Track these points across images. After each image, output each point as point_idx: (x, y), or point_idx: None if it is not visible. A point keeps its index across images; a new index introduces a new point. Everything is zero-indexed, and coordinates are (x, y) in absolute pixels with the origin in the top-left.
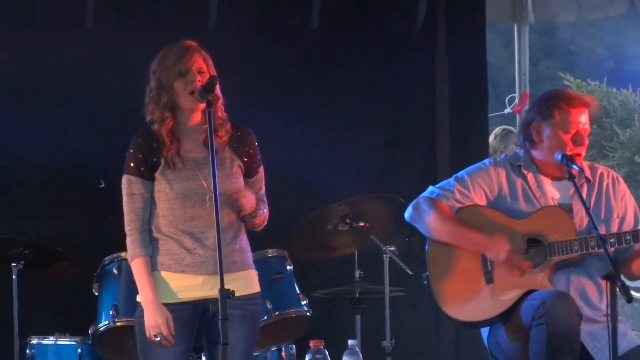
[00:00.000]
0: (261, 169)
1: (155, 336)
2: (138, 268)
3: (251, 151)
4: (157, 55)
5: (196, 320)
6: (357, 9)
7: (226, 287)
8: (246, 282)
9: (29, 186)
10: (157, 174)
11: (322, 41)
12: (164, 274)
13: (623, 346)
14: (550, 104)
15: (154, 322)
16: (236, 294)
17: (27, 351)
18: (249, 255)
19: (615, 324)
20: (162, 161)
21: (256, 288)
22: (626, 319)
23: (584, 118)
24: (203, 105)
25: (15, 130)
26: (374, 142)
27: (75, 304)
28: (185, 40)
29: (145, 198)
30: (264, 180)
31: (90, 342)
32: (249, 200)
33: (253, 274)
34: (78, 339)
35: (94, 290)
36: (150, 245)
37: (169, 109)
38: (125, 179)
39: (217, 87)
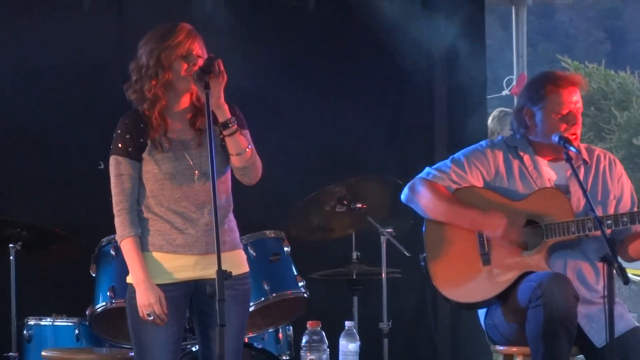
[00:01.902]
0: (245, 132)
1: (149, 315)
2: (128, 248)
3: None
4: (151, 32)
5: (187, 300)
6: None
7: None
8: (236, 262)
9: (27, 167)
10: (144, 155)
11: (319, 23)
12: (155, 254)
13: (620, 328)
14: (539, 87)
15: (147, 301)
16: None
17: (25, 332)
18: (237, 235)
19: (612, 305)
20: (149, 142)
21: (246, 268)
22: (623, 301)
23: (575, 97)
24: (195, 88)
25: (13, 110)
26: (372, 123)
27: (72, 285)
28: (183, 22)
29: (133, 178)
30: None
31: (87, 323)
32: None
33: (242, 254)
34: (75, 320)
35: (91, 272)
36: (140, 225)
37: (165, 89)
38: (113, 159)
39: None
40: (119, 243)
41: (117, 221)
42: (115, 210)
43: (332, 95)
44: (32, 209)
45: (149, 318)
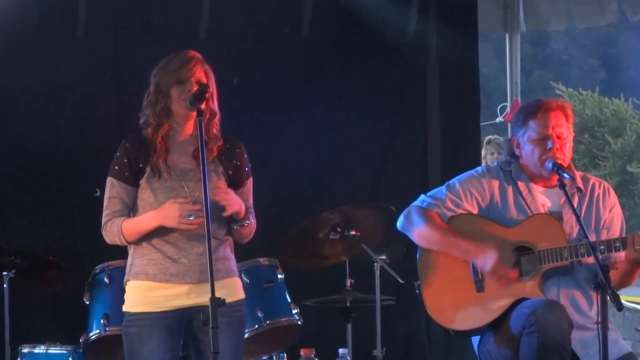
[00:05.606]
0: (249, 181)
1: (189, 216)
2: (127, 222)
3: (238, 163)
4: (161, 62)
5: (182, 328)
6: (347, 18)
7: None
8: (231, 290)
9: (21, 194)
10: (142, 182)
11: (313, 50)
12: (149, 283)
13: (614, 353)
14: (520, 117)
15: (173, 213)
16: None
17: None
18: (233, 263)
19: (605, 331)
20: (148, 169)
21: (241, 295)
22: (617, 328)
23: (552, 121)
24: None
25: (6, 137)
26: (365, 151)
27: (66, 312)
28: (191, 51)
29: (124, 203)
30: (252, 192)
31: (81, 351)
32: (234, 201)
33: (237, 281)
34: (69, 347)
35: (84, 299)
36: (134, 254)
37: (165, 115)
38: (108, 181)
39: (215, 102)
40: (122, 234)
41: (105, 227)
42: (102, 226)
43: (325, 123)
44: (26, 236)
45: (190, 218)
